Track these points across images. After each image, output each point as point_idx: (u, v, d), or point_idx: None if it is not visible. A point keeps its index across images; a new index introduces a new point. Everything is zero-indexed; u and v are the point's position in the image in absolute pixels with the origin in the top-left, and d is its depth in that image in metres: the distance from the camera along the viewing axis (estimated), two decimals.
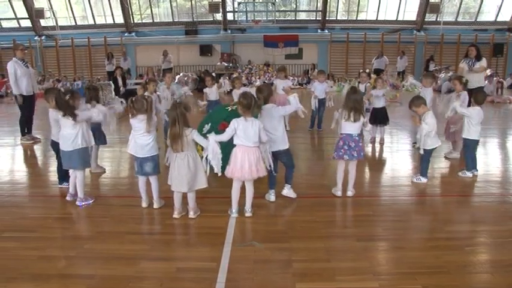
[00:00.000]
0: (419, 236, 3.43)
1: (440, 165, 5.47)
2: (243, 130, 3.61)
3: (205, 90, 7.74)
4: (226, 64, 20.78)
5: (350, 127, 4.06)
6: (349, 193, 4.25)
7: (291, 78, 19.02)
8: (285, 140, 4.01)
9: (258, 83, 18.34)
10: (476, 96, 5.10)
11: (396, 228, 3.59)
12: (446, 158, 5.77)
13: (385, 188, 4.68)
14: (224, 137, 3.67)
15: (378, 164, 5.86)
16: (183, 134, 3.56)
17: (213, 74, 6.68)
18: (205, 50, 21.87)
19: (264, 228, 3.59)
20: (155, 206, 4.01)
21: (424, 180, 4.71)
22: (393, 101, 12.60)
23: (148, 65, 17.13)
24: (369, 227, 3.63)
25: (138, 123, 3.87)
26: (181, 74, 17.84)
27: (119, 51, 19.22)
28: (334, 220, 3.81)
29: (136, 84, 13.49)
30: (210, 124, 5.02)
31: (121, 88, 12.24)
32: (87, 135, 4.14)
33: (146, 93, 6.03)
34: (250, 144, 3.61)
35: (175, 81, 16.48)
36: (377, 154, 6.39)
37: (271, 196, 4.03)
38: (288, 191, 4.18)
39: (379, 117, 6.77)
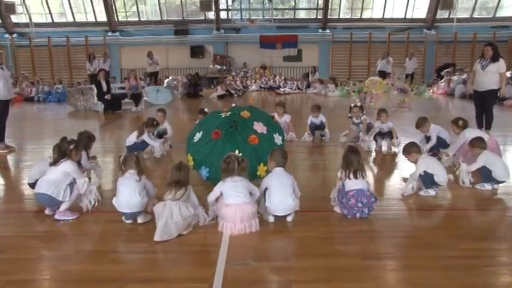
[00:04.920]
0: (431, 254, 3.41)
1: (452, 176, 5.45)
2: (231, 188, 3.81)
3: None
4: (219, 67, 20.90)
5: (357, 183, 4.08)
6: None
7: (290, 82, 19.15)
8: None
9: (253, 87, 18.45)
10: (472, 143, 5.16)
11: (405, 245, 3.59)
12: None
13: (392, 201, 4.68)
14: (212, 196, 3.92)
15: (384, 175, 5.87)
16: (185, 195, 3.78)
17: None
18: (197, 51, 22.00)
19: (260, 245, 3.58)
20: (139, 221, 4.01)
21: (432, 192, 4.73)
22: (401, 106, 12.66)
23: (135, 67, 17.14)
24: (375, 243, 3.63)
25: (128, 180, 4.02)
26: (170, 78, 17.89)
27: (101, 52, 19.23)
28: (336, 236, 3.80)
29: (121, 88, 13.52)
30: (201, 132, 5.02)
31: (107, 96, 12.19)
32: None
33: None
34: (243, 200, 3.78)
35: (164, 85, 16.54)
36: (383, 164, 6.41)
37: (270, 217, 4.03)
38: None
39: (386, 135, 6.87)
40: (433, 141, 6.28)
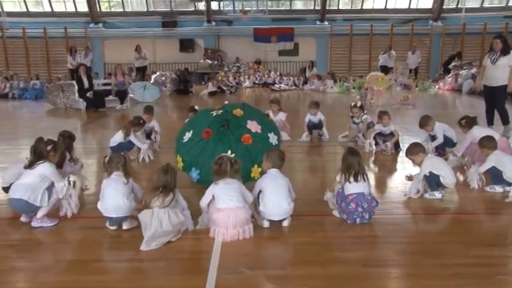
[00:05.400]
0: (438, 261, 3.42)
1: (461, 178, 5.49)
2: (223, 192, 3.80)
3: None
4: (210, 62, 20.90)
5: (357, 186, 4.09)
6: None
7: (285, 78, 19.18)
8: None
9: (247, 83, 18.46)
10: (482, 143, 5.16)
11: (409, 252, 3.60)
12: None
13: (395, 204, 4.69)
14: (205, 200, 3.91)
15: (386, 176, 5.89)
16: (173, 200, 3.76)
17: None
18: (186, 45, 21.98)
19: (254, 252, 3.58)
20: (125, 227, 3.98)
21: (438, 195, 4.74)
22: (405, 103, 12.73)
23: (119, 62, 17.13)
24: (377, 250, 3.63)
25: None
26: (157, 74, 17.86)
27: (83, 45, 19.15)
28: (336, 242, 3.79)
29: (105, 84, 13.47)
30: (191, 132, 5.02)
31: (88, 94, 12.13)
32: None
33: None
34: (236, 204, 3.76)
35: (152, 81, 16.50)
36: (385, 165, 6.43)
37: (264, 222, 4.03)
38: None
39: (388, 136, 6.89)
40: (440, 139, 6.30)
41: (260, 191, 4.04)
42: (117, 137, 6.34)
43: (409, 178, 5.02)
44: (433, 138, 6.40)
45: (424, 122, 6.48)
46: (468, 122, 6.00)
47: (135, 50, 17.66)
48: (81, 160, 5.41)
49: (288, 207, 3.97)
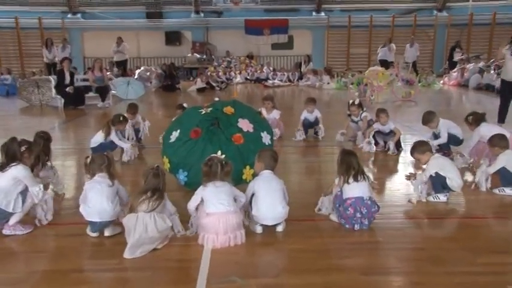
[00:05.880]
0: (443, 269, 3.43)
1: (468, 179, 5.52)
2: (213, 195, 3.80)
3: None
4: (198, 56, 20.87)
5: (356, 189, 4.09)
6: None
7: (279, 73, 19.19)
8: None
9: (238, 79, 18.45)
10: (492, 142, 5.14)
11: (412, 258, 3.61)
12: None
13: (397, 207, 4.71)
14: (193, 203, 3.93)
15: (388, 178, 5.90)
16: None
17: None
18: (173, 38, 21.94)
19: (246, 259, 3.58)
20: (107, 233, 3.96)
21: (443, 198, 4.76)
22: (407, 99, 12.79)
23: (100, 56, 17.02)
24: (378, 257, 3.65)
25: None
26: (142, 69, 17.82)
27: (59, 37, 19.01)
28: (333, 248, 3.80)
29: (85, 80, 13.39)
30: (179, 131, 5.02)
31: (68, 88, 12.05)
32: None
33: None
34: (226, 209, 3.76)
35: (136, 76, 16.44)
36: (386, 166, 6.46)
37: (257, 227, 4.02)
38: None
39: (388, 135, 6.93)
40: (443, 138, 6.29)
41: (253, 194, 4.04)
42: (98, 137, 6.30)
43: (408, 177, 5.00)
44: (436, 136, 6.40)
45: (428, 118, 6.46)
46: (476, 119, 5.95)
47: (116, 42, 17.62)
48: (55, 167, 5.31)
49: (283, 211, 3.97)
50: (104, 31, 20.57)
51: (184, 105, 7.38)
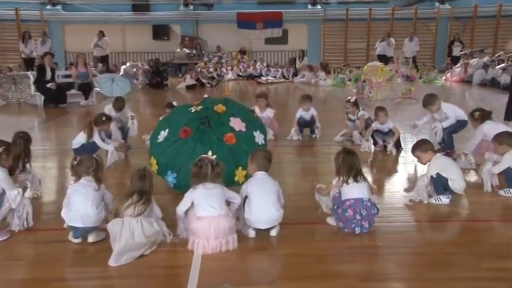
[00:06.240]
0: (446, 274, 3.44)
1: (471, 180, 5.55)
2: (203, 198, 3.79)
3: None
4: (188, 51, 20.82)
5: (356, 190, 4.10)
6: None
7: (273, 69, 19.21)
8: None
9: (230, 75, 18.45)
10: (499, 140, 5.12)
11: (414, 264, 3.63)
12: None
13: (398, 210, 4.72)
14: (182, 207, 3.91)
15: (387, 179, 5.93)
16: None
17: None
18: (160, 32, 21.90)
19: (239, 266, 3.58)
20: (90, 239, 3.94)
21: (445, 200, 4.77)
22: (407, 96, 12.83)
23: (83, 51, 16.91)
24: (377, 262, 3.66)
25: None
26: (128, 65, 17.76)
27: (39, 30, 18.90)
28: (331, 253, 3.81)
29: (66, 76, 13.33)
30: (167, 130, 5.02)
31: (50, 84, 11.98)
32: None
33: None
34: (217, 212, 3.76)
35: (121, 73, 16.39)
36: (386, 166, 6.48)
37: (250, 231, 4.03)
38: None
39: (387, 134, 6.94)
40: (451, 119, 6.24)
41: (246, 197, 4.04)
42: (80, 138, 6.26)
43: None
44: (433, 129, 6.39)
45: (429, 101, 6.45)
46: (482, 115, 5.91)
47: (97, 36, 17.60)
48: (34, 170, 5.28)
49: (277, 214, 3.98)
50: (86, 24, 20.46)
51: (174, 103, 7.36)
